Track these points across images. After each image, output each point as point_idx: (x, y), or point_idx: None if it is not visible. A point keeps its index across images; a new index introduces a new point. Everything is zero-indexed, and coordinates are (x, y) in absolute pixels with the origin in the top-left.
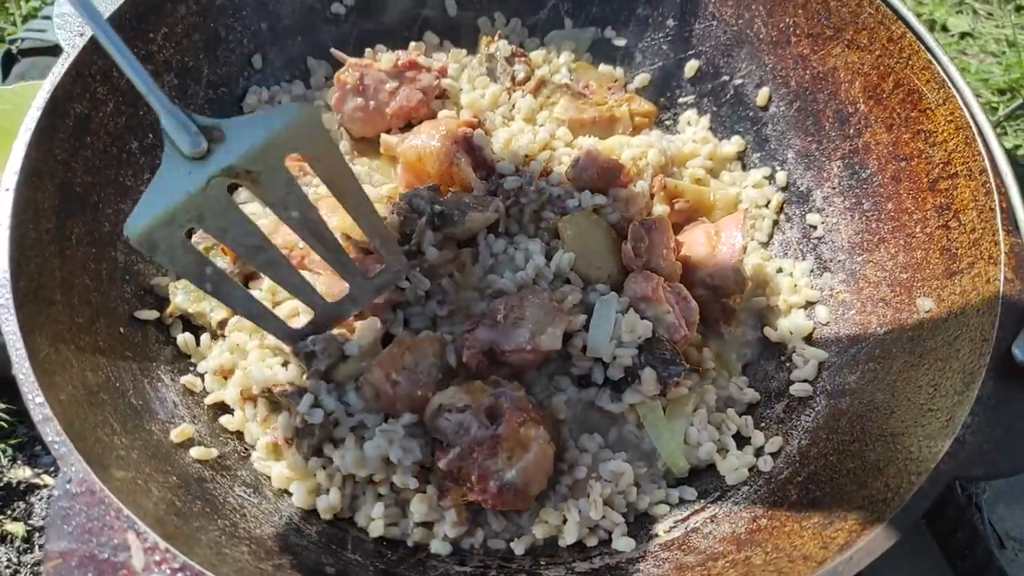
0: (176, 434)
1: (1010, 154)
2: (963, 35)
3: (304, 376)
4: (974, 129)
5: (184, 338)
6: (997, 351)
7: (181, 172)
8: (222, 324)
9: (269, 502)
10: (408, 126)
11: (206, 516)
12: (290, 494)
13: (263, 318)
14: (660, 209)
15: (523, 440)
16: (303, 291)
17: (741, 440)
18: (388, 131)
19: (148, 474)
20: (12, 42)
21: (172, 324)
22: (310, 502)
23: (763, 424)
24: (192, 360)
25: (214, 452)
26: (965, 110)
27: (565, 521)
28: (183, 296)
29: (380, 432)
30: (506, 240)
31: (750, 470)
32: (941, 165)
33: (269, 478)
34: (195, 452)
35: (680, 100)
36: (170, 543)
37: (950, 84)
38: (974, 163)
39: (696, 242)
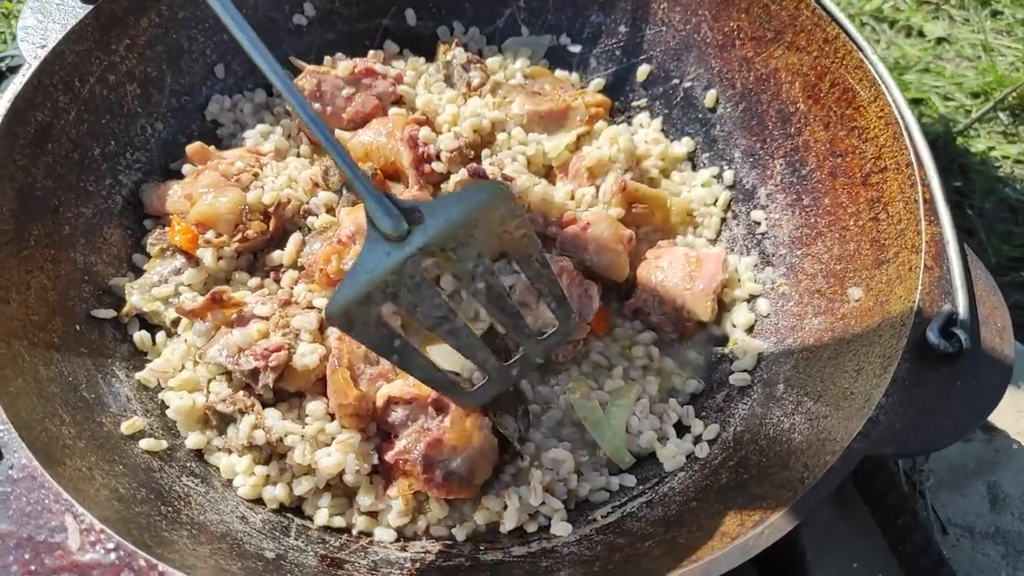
0: (126, 426)
1: (983, 156)
2: (939, 40)
3: (247, 396)
4: (901, 125)
5: (140, 336)
6: (914, 335)
7: (380, 253)
8: (175, 323)
9: (216, 491)
10: None
11: (149, 503)
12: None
13: (447, 387)
14: (615, 212)
15: (467, 432)
16: (481, 355)
17: (682, 429)
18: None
19: (93, 463)
20: (1, 60)
21: (129, 322)
22: (255, 493)
23: (704, 413)
24: (148, 357)
25: (164, 444)
26: (894, 106)
27: (507, 507)
28: (139, 296)
29: (338, 444)
30: None
31: (688, 457)
32: (873, 160)
33: (218, 469)
34: (144, 443)
35: (634, 103)
36: (106, 524)
37: (880, 81)
38: (901, 157)
39: (674, 266)
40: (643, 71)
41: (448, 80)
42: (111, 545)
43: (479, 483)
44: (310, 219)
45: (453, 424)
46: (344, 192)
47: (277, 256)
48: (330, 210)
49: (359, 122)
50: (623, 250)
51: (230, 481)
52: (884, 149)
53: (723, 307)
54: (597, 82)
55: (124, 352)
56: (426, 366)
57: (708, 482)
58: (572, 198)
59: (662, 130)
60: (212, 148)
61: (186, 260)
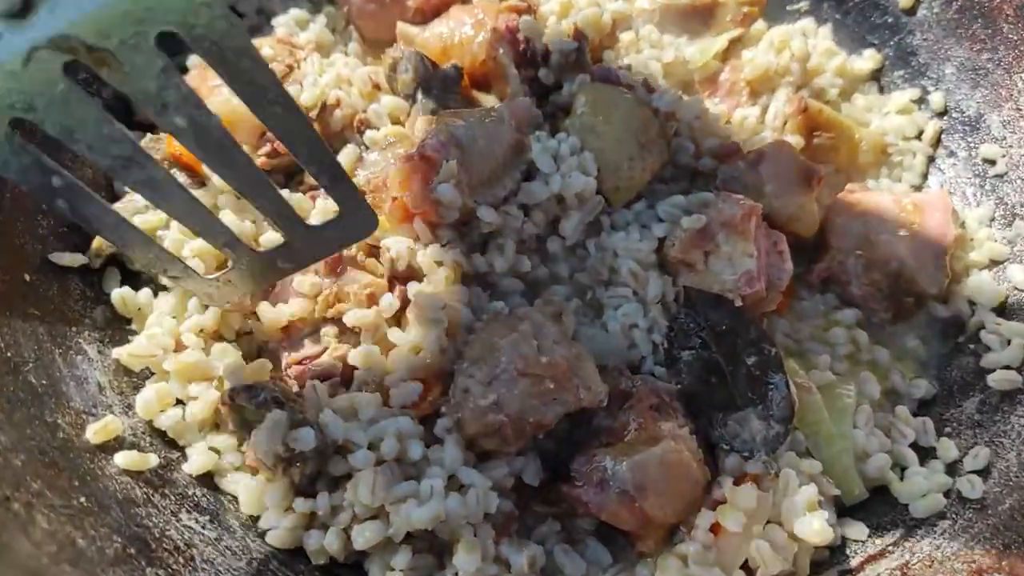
0: (96, 431)
1: None
2: None
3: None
4: None
5: (122, 294)
6: None
7: None
8: None
9: (234, 536)
10: None
11: (127, 562)
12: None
13: (150, 253)
14: (793, 140)
15: (652, 432)
16: (213, 232)
17: (922, 452)
18: None
19: (37, 492)
20: None
21: (106, 276)
22: (293, 540)
23: (950, 429)
24: (133, 326)
25: (152, 460)
26: None
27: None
28: None
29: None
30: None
31: (946, 494)
32: None
33: (235, 499)
34: (122, 459)
35: (791, 7)
36: None
37: None
38: None
39: (881, 215)
40: None
41: None
42: None
43: (655, 517)
44: (368, 133)
45: (634, 418)
46: (420, 97)
47: None
48: (396, 121)
49: (429, 12)
50: (812, 194)
51: (254, 520)
52: None
53: (952, 276)
54: None
55: (97, 318)
56: (114, 223)
57: (1008, 539)
58: (727, 122)
59: (833, 41)
60: None
61: (189, 178)
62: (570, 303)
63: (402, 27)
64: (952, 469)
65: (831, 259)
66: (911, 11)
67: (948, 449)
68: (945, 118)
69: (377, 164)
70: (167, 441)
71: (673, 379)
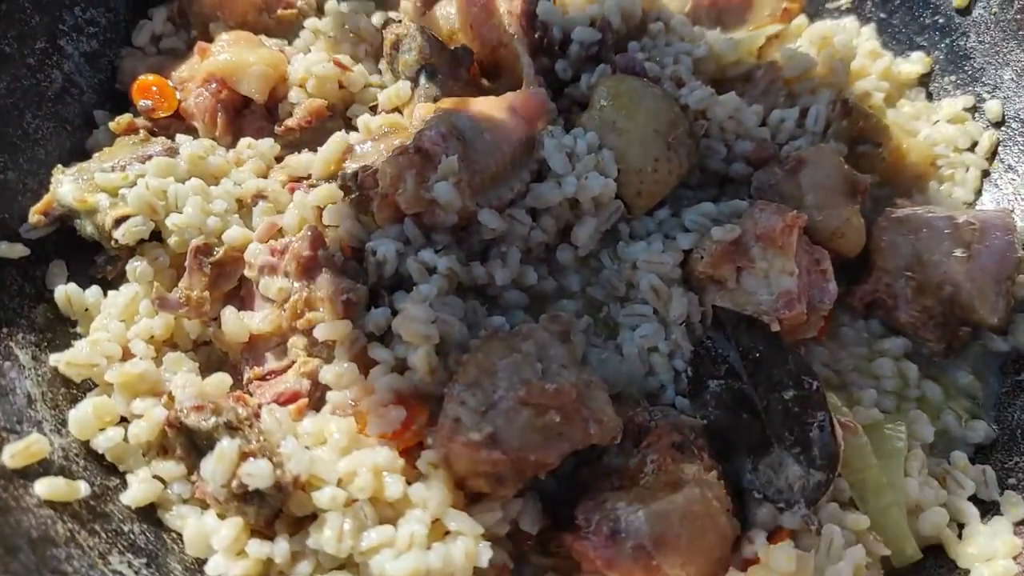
0: (16, 452)
1: None
2: None
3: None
4: None
5: (67, 291)
6: None
7: None
8: (121, 252)
9: None
10: None
11: None
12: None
13: None
14: (835, 148)
15: (673, 476)
16: None
17: (983, 506)
18: None
19: None
20: None
21: (51, 270)
22: None
23: (1014, 480)
24: (78, 329)
25: (82, 488)
26: None
27: None
28: (73, 185)
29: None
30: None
31: (1016, 559)
32: None
33: (180, 538)
34: (45, 487)
35: (831, 5)
36: None
37: None
38: None
39: (933, 234)
40: None
41: None
42: None
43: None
44: (361, 119)
45: (652, 459)
46: (423, 81)
47: (302, 162)
48: (394, 108)
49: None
50: (858, 207)
51: (200, 564)
52: None
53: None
54: None
55: (36, 318)
56: None
57: None
58: (763, 123)
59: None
60: None
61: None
62: (580, 321)
63: (404, 6)
64: (1021, 529)
65: (877, 281)
66: (966, 11)
67: (1015, 504)
68: (1003, 128)
69: (369, 156)
70: (105, 466)
71: (698, 413)
